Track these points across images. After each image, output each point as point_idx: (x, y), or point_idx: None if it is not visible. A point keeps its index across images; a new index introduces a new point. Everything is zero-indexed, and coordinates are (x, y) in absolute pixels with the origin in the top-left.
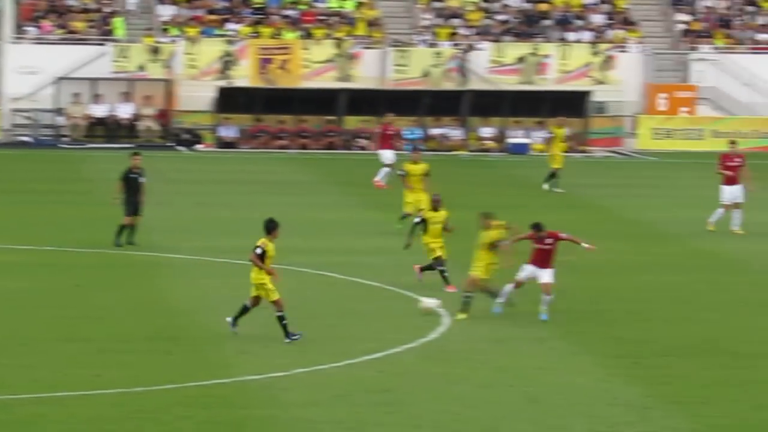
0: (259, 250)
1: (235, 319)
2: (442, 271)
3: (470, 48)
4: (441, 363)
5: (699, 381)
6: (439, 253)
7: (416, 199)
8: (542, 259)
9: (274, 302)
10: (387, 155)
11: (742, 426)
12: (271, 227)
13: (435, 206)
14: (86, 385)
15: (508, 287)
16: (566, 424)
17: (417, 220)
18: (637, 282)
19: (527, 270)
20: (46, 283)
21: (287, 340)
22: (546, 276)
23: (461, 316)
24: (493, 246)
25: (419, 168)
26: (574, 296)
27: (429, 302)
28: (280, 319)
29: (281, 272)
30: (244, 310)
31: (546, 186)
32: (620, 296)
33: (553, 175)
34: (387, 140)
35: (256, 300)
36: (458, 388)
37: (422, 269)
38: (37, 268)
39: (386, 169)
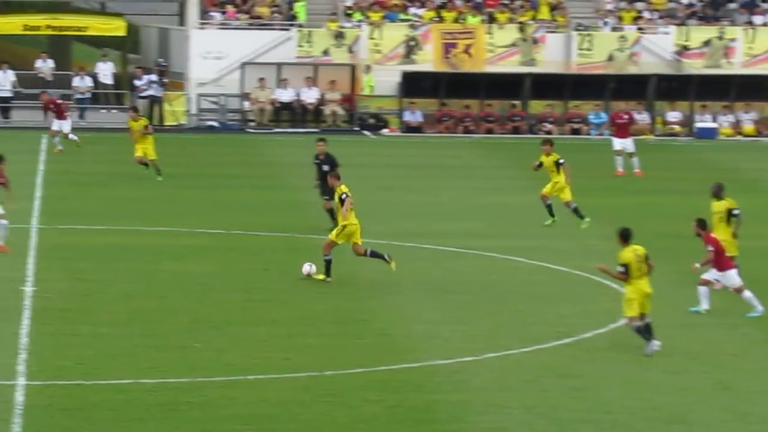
0: (621, 268)
1: (648, 338)
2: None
3: (684, 49)
4: (631, 349)
5: None
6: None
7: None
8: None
9: (632, 317)
10: (621, 143)
11: None
12: (627, 235)
13: (717, 194)
14: (276, 368)
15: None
16: (759, 411)
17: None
18: None
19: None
20: (235, 267)
21: (649, 351)
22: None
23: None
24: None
25: (550, 159)
26: (765, 283)
27: (306, 269)
28: (640, 330)
29: (467, 257)
30: (645, 329)
31: None
32: None
33: None
34: (622, 128)
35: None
36: (649, 375)
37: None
38: (226, 251)
39: (620, 158)
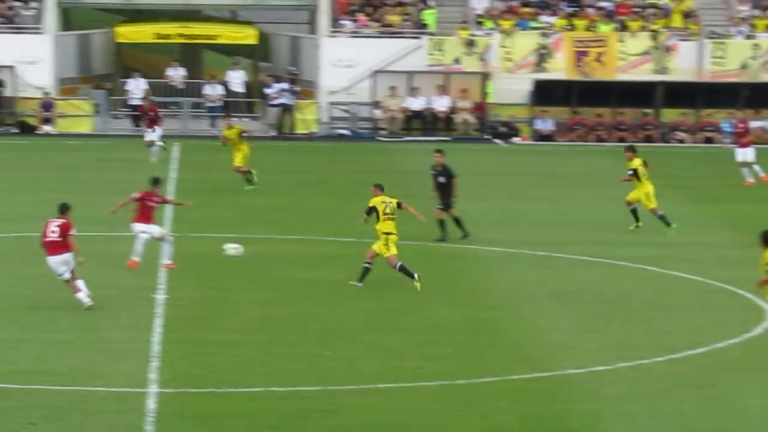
0: None
1: None
2: None
3: None
4: (766, 358)
5: None
6: None
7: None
8: None
9: None
10: (742, 153)
11: None
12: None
13: None
14: (408, 376)
15: None
16: None
17: None
18: None
19: None
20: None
21: None
22: None
23: None
24: None
25: (630, 164)
26: None
27: (232, 249)
28: None
29: (600, 266)
30: None
31: None
32: None
33: None
34: (743, 137)
35: None
36: None
37: None
38: (357, 260)
39: (746, 169)
